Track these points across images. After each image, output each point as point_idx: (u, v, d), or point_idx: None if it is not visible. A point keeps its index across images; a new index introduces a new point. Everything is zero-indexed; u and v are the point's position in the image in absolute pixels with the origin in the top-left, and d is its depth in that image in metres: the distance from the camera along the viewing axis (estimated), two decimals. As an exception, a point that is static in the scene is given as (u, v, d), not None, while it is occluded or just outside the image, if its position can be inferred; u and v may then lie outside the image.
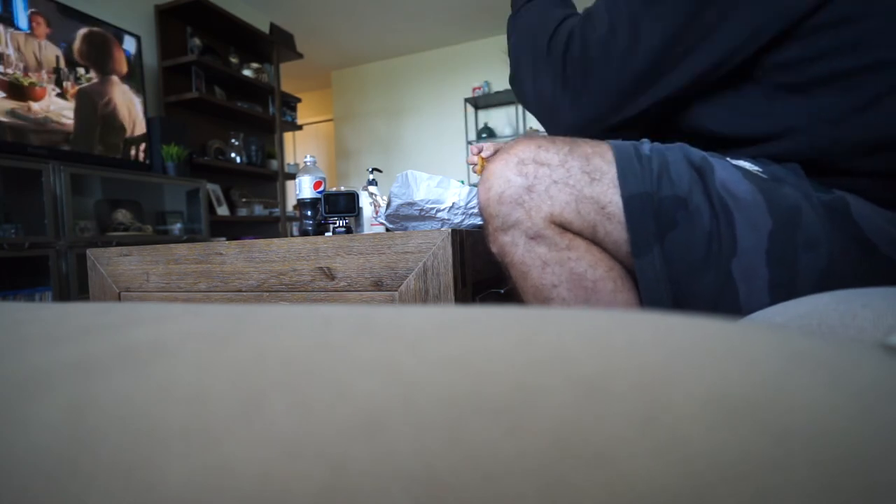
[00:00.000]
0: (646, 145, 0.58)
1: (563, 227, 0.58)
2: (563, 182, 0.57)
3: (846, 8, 0.52)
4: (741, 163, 0.56)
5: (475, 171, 1.01)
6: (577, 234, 0.59)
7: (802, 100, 0.56)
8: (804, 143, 0.56)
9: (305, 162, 1.17)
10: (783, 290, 0.51)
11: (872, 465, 0.09)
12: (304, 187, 1.12)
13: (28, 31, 2.09)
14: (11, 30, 2.03)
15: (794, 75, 0.55)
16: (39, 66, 2.12)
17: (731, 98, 0.60)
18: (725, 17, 0.55)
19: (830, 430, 0.09)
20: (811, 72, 0.54)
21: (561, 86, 0.65)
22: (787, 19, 0.53)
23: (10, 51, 2.02)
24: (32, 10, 2.10)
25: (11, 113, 2.00)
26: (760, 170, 0.55)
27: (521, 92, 0.72)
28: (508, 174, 0.58)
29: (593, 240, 0.59)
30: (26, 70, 2.07)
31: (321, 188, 1.12)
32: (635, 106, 0.62)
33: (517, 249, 0.60)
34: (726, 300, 0.53)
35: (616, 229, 0.57)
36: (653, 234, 0.54)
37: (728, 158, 0.57)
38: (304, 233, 1.11)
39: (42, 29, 2.14)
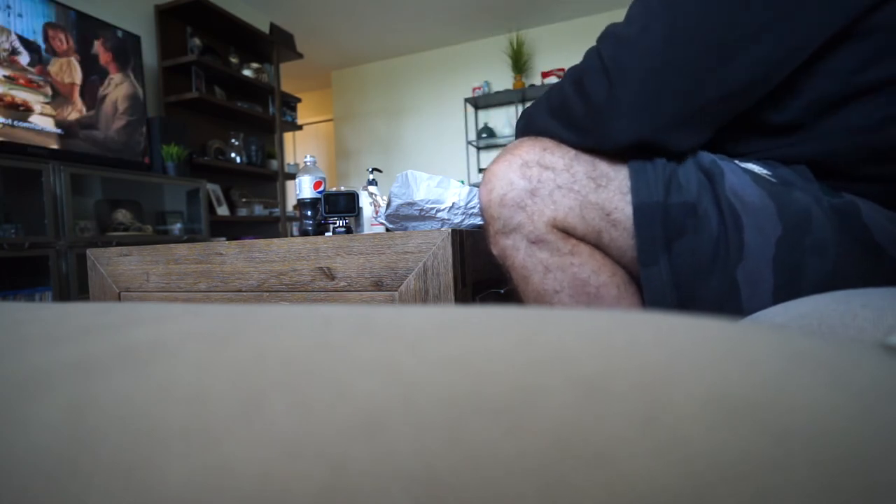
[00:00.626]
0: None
1: (566, 232, 0.58)
2: (567, 187, 0.56)
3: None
4: (750, 166, 0.55)
5: None
6: (581, 239, 0.58)
7: (837, 113, 0.51)
8: (821, 147, 0.53)
9: (305, 162, 1.17)
10: (787, 295, 0.50)
11: (872, 465, 0.09)
12: (304, 187, 1.12)
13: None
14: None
15: (839, 85, 0.50)
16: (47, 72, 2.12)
17: (762, 115, 0.54)
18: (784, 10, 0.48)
19: (830, 430, 0.09)
20: (856, 81, 0.50)
21: (607, 95, 0.53)
22: (848, 15, 0.47)
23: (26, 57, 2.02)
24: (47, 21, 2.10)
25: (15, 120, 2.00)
26: (769, 173, 0.54)
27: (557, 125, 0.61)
28: (511, 176, 0.57)
29: (597, 245, 0.58)
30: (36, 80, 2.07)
31: (321, 188, 1.12)
32: (698, 103, 0.52)
33: (518, 253, 0.59)
34: (730, 304, 0.52)
35: (621, 236, 0.56)
36: (660, 244, 0.53)
37: (736, 161, 0.56)
38: (304, 233, 1.12)
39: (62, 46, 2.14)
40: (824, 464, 0.08)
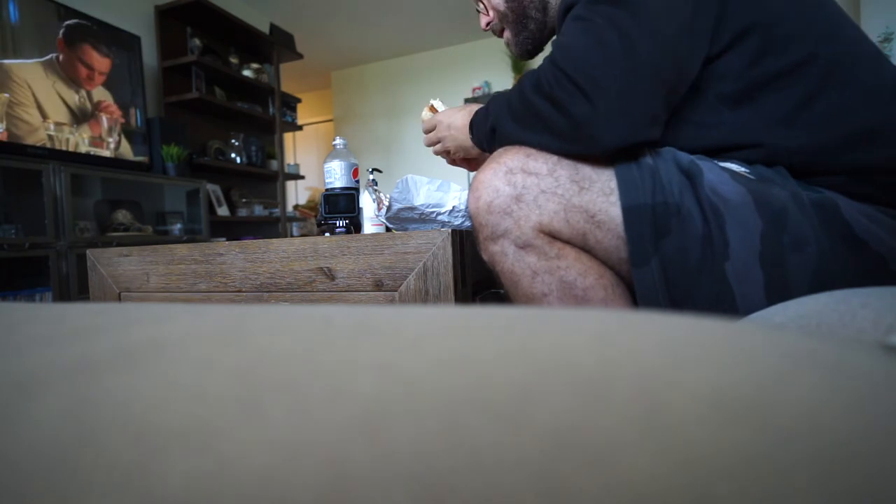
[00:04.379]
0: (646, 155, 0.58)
1: (553, 235, 0.58)
2: (551, 191, 0.57)
3: (751, 16, 0.54)
4: (729, 165, 0.56)
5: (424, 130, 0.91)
6: (567, 242, 0.59)
7: (751, 108, 0.56)
8: (770, 149, 0.56)
9: (335, 145, 1.01)
10: (778, 290, 0.51)
11: (872, 465, 0.09)
12: (336, 175, 0.95)
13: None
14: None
15: (735, 84, 0.56)
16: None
17: (687, 113, 0.59)
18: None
19: (830, 430, 0.09)
20: (749, 77, 0.55)
21: (591, 111, 0.56)
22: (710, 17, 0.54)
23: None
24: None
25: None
26: (748, 171, 0.55)
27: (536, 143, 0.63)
28: (497, 183, 0.58)
29: (583, 248, 0.59)
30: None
31: (358, 178, 0.99)
32: (658, 100, 0.55)
33: (507, 259, 0.60)
34: (723, 303, 0.53)
35: (606, 237, 0.57)
36: (651, 244, 0.54)
37: (715, 161, 0.57)
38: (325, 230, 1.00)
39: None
40: (824, 464, 0.08)
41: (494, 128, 0.66)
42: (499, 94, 0.67)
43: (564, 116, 0.56)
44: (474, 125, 0.73)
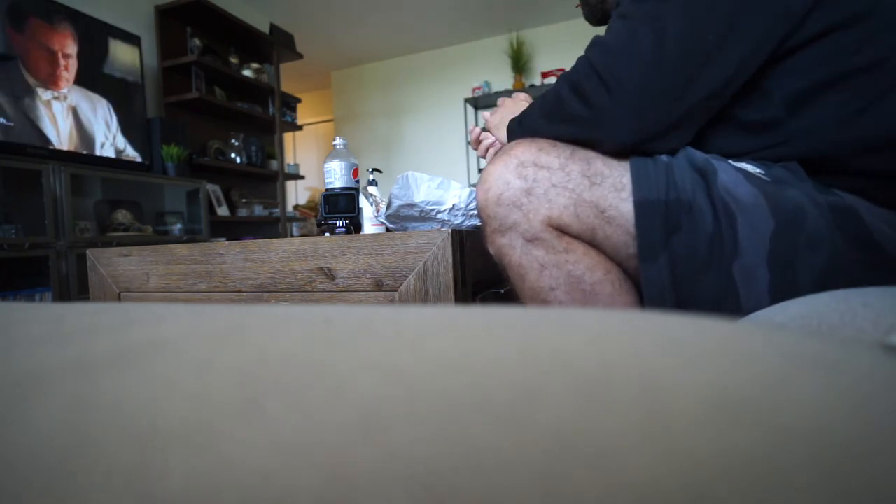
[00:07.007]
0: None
1: (562, 230, 0.58)
2: (562, 185, 0.57)
3: (847, 8, 0.52)
4: (743, 165, 0.56)
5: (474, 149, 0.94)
6: (576, 237, 0.59)
7: (810, 109, 0.54)
8: (805, 146, 0.55)
9: (335, 145, 1.01)
10: (784, 291, 0.51)
11: (872, 465, 0.09)
12: (336, 175, 0.96)
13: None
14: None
15: (804, 81, 0.54)
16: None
17: (741, 112, 0.57)
18: (732, 26, 0.52)
19: (830, 430, 0.09)
20: (818, 74, 0.53)
21: (608, 100, 0.56)
22: (790, 23, 0.52)
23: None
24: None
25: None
26: (762, 171, 0.55)
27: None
28: (508, 176, 0.58)
29: (592, 243, 0.59)
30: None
31: (358, 178, 1.00)
32: (683, 105, 0.54)
33: (515, 252, 0.60)
34: (727, 301, 0.53)
35: (616, 233, 0.57)
36: (661, 240, 0.54)
37: (730, 161, 0.57)
38: (325, 231, 1.01)
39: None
40: (824, 464, 0.08)
41: (521, 120, 0.68)
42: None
43: (586, 105, 0.57)
44: (511, 121, 0.72)
